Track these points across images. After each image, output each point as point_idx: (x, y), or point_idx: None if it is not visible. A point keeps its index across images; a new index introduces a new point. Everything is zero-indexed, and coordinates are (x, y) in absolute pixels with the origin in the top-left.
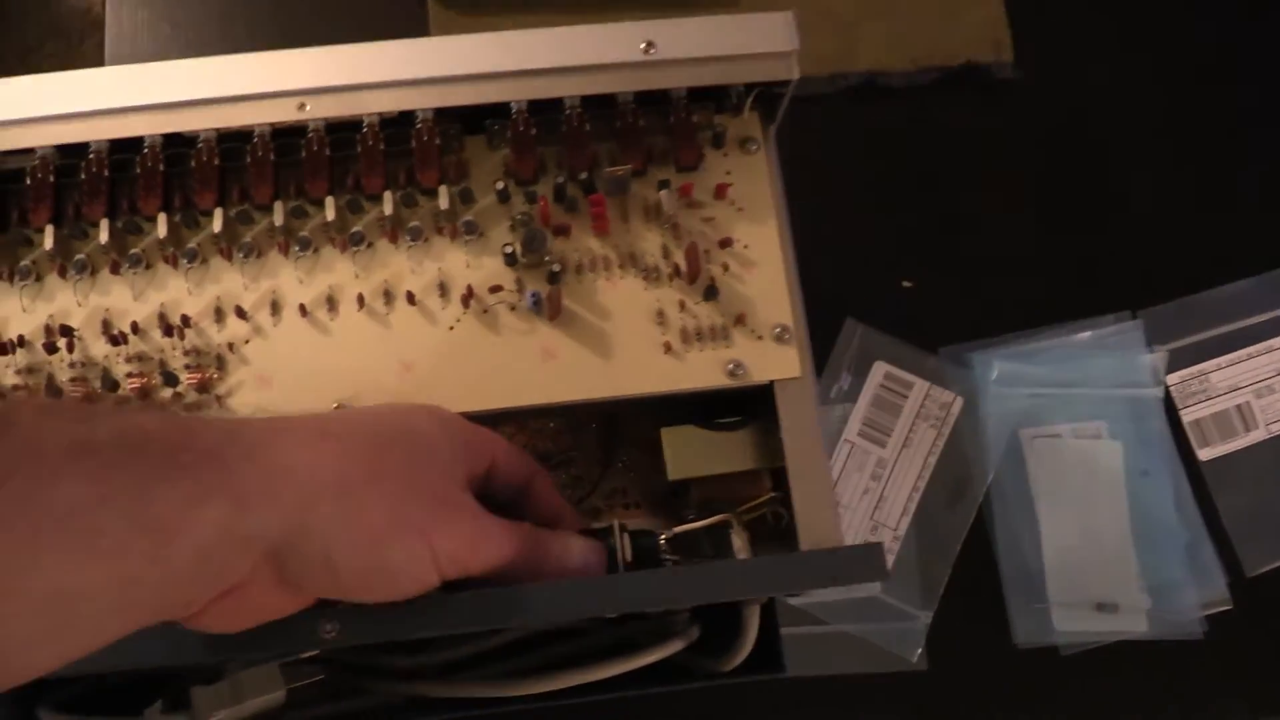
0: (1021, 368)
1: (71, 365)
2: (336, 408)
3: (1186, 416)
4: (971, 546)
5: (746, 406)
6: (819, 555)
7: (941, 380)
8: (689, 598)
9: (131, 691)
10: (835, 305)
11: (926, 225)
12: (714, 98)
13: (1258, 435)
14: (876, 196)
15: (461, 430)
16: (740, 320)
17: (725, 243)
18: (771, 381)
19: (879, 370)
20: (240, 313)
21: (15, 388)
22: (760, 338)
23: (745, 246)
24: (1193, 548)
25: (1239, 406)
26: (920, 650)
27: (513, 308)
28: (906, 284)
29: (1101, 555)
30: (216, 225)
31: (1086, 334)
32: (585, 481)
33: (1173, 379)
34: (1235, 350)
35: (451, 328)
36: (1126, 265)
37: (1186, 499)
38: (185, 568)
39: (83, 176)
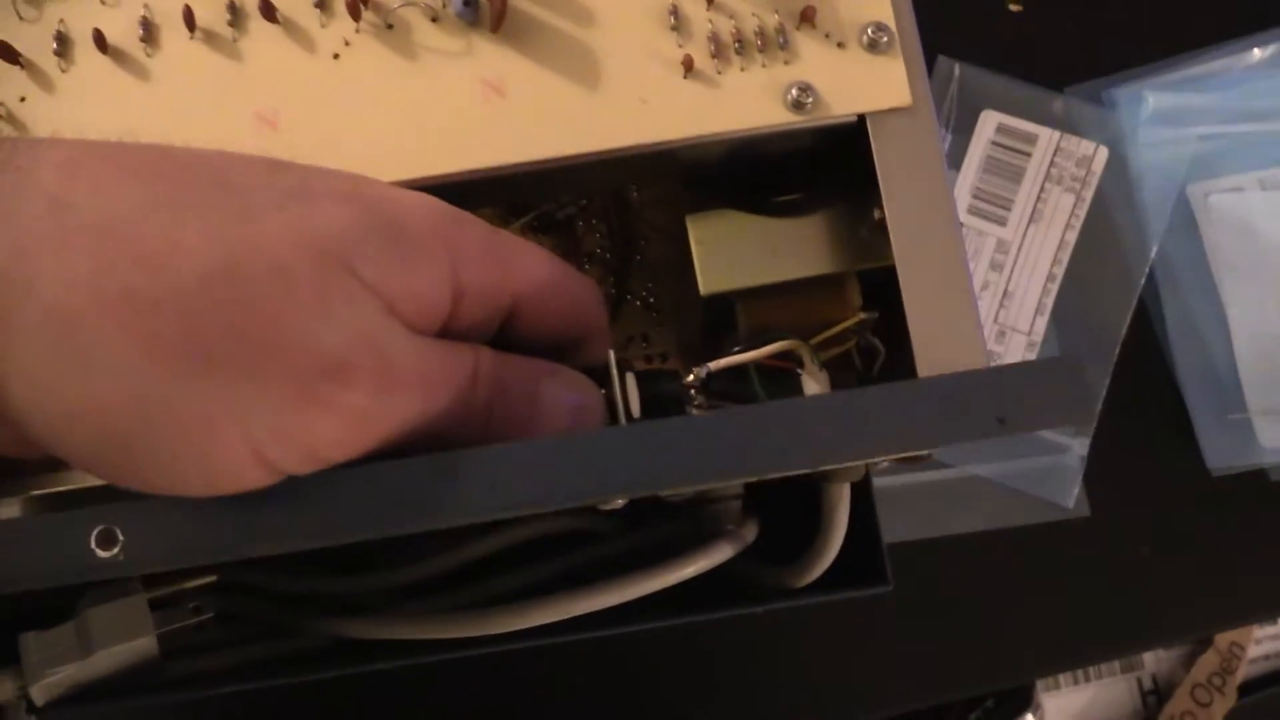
0: (1184, 100)
1: None
2: None
3: None
4: (1134, 347)
5: (817, 171)
6: (973, 379)
7: (1075, 128)
8: (742, 468)
9: None
10: (921, 38)
11: None
12: None
13: None
14: None
15: (426, 230)
16: (807, 18)
17: None
18: (862, 116)
19: (988, 121)
20: (10, 55)
21: None
22: (841, 45)
23: None
24: None
25: None
26: (1078, 490)
27: (434, 19)
28: (1014, 7)
29: None
30: None
31: (1267, 50)
32: None
33: None
34: None
35: (337, 55)
36: None
37: None
38: None
39: None
